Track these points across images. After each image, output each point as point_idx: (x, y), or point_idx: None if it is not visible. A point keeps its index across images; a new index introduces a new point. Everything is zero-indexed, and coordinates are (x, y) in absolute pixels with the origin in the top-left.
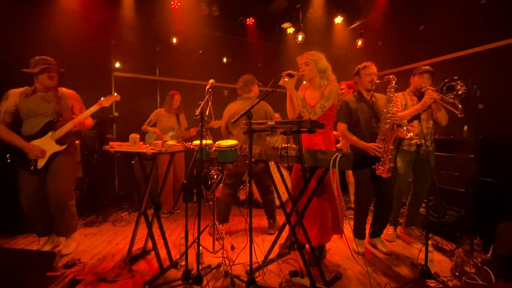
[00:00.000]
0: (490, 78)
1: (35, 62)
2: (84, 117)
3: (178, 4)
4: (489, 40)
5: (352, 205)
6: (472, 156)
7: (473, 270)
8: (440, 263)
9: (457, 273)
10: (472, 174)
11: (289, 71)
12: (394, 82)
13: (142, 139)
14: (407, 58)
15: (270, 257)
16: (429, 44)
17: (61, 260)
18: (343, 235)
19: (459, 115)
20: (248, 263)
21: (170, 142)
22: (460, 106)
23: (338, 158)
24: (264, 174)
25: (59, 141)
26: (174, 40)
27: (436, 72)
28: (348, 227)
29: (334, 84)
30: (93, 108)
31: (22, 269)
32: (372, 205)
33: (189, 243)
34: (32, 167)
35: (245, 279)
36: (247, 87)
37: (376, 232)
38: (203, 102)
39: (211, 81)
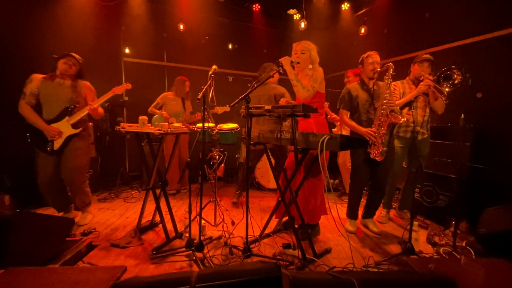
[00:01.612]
0: (488, 67)
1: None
2: (99, 103)
3: None
4: (491, 29)
5: (347, 190)
6: (467, 144)
7: (443, 242)
8: (425, 243)
9: (429, 244)
10: (464, 161)
11: (281, 59)
12: (391, 70)
13: (149, 121)
14: (413, 46)
15: (267, 232)
16: (434, 32)
17: (79, 229)
18: (332, 216)
19: (444, 101)
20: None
21: (176, 124)
22: (445, 93)
23: (326, 140)
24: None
25: (74, 125)
26: (181, 27)
27: (440, 60)
28: (342, 208)
29: (320, 72)
30: (107, 95)
31: (45, 232)
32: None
33: (192, 217)
34: (49, 148)
35: (242, 249)
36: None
37: (369, 213)
38: (205, 87)
39: (214, 67)
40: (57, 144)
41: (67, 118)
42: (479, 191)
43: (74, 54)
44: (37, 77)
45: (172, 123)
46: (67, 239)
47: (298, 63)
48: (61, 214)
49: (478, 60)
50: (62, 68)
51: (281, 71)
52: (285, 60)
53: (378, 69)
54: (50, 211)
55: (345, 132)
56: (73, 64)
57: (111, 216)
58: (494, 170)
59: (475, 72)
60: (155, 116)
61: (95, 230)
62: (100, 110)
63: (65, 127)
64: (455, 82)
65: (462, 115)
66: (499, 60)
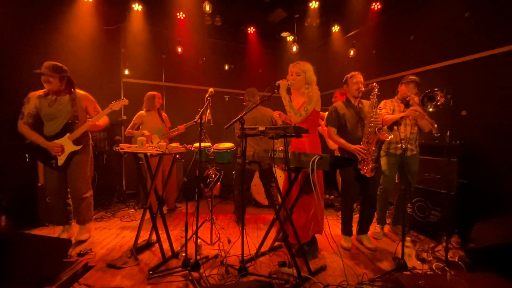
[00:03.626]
0: (471, 86)
1: (43, 66)
2: (97, 120)
3: (183, 15)
4: (472, 51)
5: None
6: (454, 159)
7: (431, 258)
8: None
9: (418, 260)
10: (453, 177)
11: (278, 82)
12: (376, 90)
13: (129, 142)
14: (399, 66)
15: (263, 250)
16: (419, 54)
17: (75, 250)
18: (326, 233)
19: (435, 134)
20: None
21: (173, 144)
22: (435, 126)
23: (316, 160)
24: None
25: (75, 142)
26: (179, 49)
27: (425, 81)
28: (338, 225)
29: (315, 91)
30: (104, 112)
31: (42, 254)
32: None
33: (188, 236)
34: (54, 165)
35: (238, 268)
36: (254, 97)
37: (363, 229)
38: (202, 109)
39: (210, 89)
40: (61, 160)
41: (68, 135)
42: (470, 206)
43: (55, 68)
44: (34, 95)
45: (160, 142)
46: (64, 260)
47: (293, 84)
48: (59, 229)
49: (460, 80)
50: (46, 87)
51: (277, 93)
52: (282, 85)
53: (363, 89)
54: (45, 231)
55: (334, 146)
56: (51, 77)
57: (107, 235)
58: (482, 185)
59: (458, 91)
60: (138, 137)
61: (91, 251)
62: (103, 121)
63: (66, 144)
64: (438, 103)
65: (448, 132)
66: (481, 80)
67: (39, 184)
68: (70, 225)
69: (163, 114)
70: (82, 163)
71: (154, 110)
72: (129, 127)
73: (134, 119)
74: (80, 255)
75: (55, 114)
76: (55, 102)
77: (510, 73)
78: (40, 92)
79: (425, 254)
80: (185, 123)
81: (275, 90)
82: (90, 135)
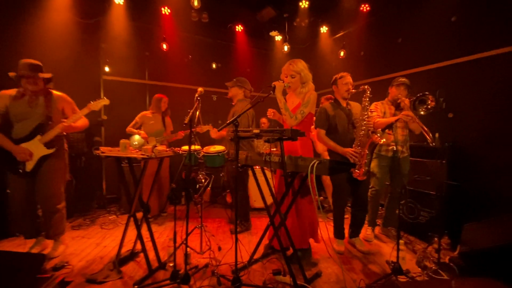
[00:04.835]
0: (458, 89)
1: (20, 65)
2: (72, 121)
3: (169, 10)
4: (458, 54)
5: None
6: (444, 161)
7: (433, 266)
8: (412, 261)
9: (419, 268)
10: (441, 178)
11: (274, 83)
12: (368, 92)
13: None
14: (387, 68)
15: (255, 257)
16: (407, 56)
17: (50, 263)
18: (321, 238)
19: (431, 144)
20: (234, 263)
21: (160, 147)
22: (430, 135)
23: (315, 165)
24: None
25: (47, 145)
26: (164, 47)
27: (412, 82)
28: (330, 228)
29: (312, 93)
30: (82, 112)
31: (12, 271)
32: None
33: (177, 245)
34: (21, 170)
35: (231, 278)
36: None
37: (355, 232)
38: (192, 110)
39: (200, 89)
40: (30, 166)
41: (39, 137)
42: (459, 207)
43: (35, 66)
44: (5, 94)
45: (156, 146)
46: (38, 276)
47: (289, 87)
48: (31, 242)
49: (448, 82)
50: (28, 88)
51: (272, 94)
52: (278, 86)
53: (353, 90)
54: (16, 242)
55: (321, 148)
56: (36, 79)
57: (86, 246)
58: (471, 186)
59: (446, 94)
60: (134, 136)
61: (68, 264)
62: (81, 122)
63: (37, 147)
64: (429, 107)
65: (437, 134)
66: (468, 83)
67: (8, 191)
68: (42, 236)
69: (167, 118)
70: (54, 170)
71: (159, 113)
72: (130, 125)
73: (136, 117)
74: (55, 269)
75: (27, 114)
76: (28, 102)
77: (496, 76)
78: (12, 91)
79: (427, 262)
80: (184, 130)
81: (271, 92)
82: (65, 139)
